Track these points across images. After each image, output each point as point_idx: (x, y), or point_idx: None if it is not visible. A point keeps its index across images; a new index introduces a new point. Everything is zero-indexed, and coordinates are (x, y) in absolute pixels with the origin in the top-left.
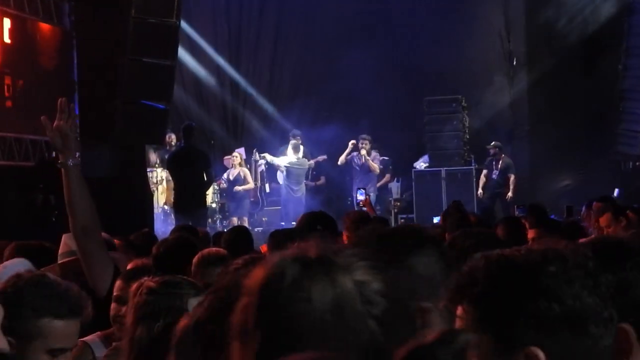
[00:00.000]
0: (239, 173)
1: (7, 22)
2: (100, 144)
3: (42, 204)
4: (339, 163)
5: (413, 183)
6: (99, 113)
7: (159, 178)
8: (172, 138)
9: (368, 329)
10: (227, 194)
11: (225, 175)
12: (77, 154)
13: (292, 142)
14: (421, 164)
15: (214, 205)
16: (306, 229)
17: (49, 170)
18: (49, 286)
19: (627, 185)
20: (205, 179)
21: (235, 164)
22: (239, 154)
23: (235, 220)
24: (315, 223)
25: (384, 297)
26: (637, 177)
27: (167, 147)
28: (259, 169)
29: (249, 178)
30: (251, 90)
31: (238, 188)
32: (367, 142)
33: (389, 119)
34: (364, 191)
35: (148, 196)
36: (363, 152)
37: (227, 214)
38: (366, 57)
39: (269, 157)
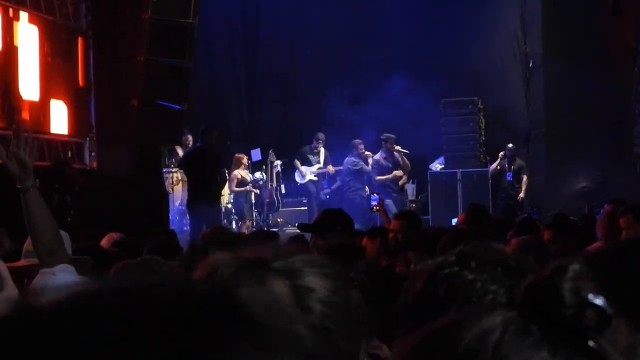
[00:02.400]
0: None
1: (34, 29)
2: (116, 144)
3: (58, 203)
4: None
5: (429, 185)
6: (115, 113)
7: (176, 179)
8: (188, 139)
9: (298, 334)
10: (242, 195)
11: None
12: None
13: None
14: (437, 166)
15: (229, 205)
16: (324, 227)
17: (65, 170)
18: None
19: None
20: (219, 179)
21: (244, 164)
22: (244, 155)
23: (247, 222)
24: (333, 221)
25: (325, 305)
26: None
27: (184, 148)
28: (275, 170)
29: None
30: (267, 90)
31: (236, 189)
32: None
33: (405, 120)
34: (377, 196)
35: (164, 196)
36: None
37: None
38: (382, 58)
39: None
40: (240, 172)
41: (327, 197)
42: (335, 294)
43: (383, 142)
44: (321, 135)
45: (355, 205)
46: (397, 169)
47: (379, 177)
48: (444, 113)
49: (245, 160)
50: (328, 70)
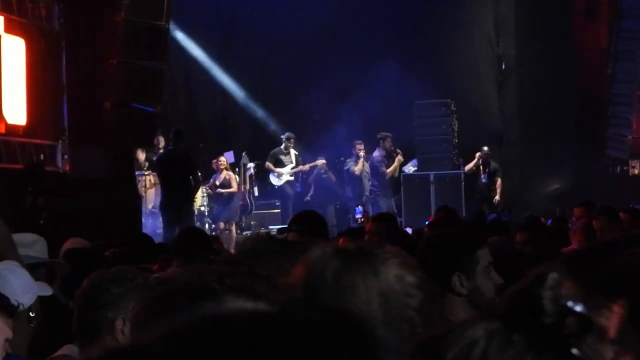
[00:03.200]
0: (225, 177)
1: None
2: (90, 146)
3: (30, 206)
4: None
5: (402, 187)
6: (89, 115)
7: (149, 182)
8: (160, 141)
9: (410, 318)
10: (215, 198)
11: (212, 179)
12: None
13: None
14: (410, 168)
15: (202, 208)
16: (299, 229)
17: (37, 173)
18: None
19: (614, 190)
20: (193, 182)
21: (222, 168)
22: (225, 157)
23: (222, 225)
24: (308, 223)
25: (419, 290)
26: (625, 181)
27: (156, 150)
28: (248, 173)
29: (234, 182)
30: (242, 93)
31: (221, 191)
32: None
33: (379, 122)
34: (361, 209)
35: (137, 198)
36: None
37: (215, 218)
38: (357, 60)
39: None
40: (223, 175)
41: (310, 198)
42: (419, 279)
43: (380, 141)
44: (291, 135)
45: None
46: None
47: (389, 170)
48: (417, 115)
49: (222, 162)
50: (303, 72)
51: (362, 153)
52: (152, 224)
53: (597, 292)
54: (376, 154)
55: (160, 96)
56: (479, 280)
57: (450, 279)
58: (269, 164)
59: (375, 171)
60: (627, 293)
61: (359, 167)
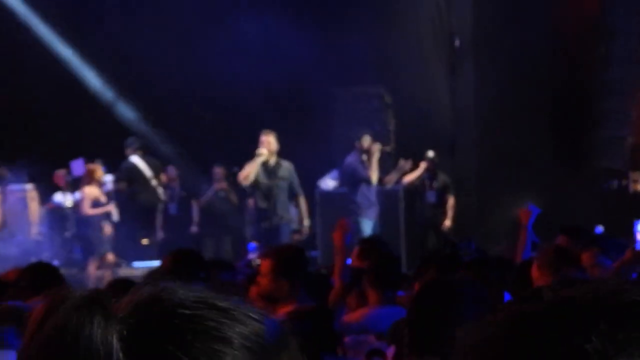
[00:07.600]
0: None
1: None
2: None
3: None
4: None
5: (317, 208)
6: None
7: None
8: None
9: None
10: None
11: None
12: None
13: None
14: (328, 182)
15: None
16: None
17: None
18: None
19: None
20: None
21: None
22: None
23: None
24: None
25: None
26: (622, 201)
27: None
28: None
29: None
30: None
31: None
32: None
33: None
34: (255, 244)
35: None
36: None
37: None
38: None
39: None
40: (94, 189)
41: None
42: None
43: (356, 141)
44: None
45: None
46: None
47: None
48: (338, 108)
49: (99, 172)
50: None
51: (261, 150)
52: None
53: None
54: (350, 158)
55: None
56: None
57: None
58: None
59: (349, 182)
60: None
61: (244, 173)
